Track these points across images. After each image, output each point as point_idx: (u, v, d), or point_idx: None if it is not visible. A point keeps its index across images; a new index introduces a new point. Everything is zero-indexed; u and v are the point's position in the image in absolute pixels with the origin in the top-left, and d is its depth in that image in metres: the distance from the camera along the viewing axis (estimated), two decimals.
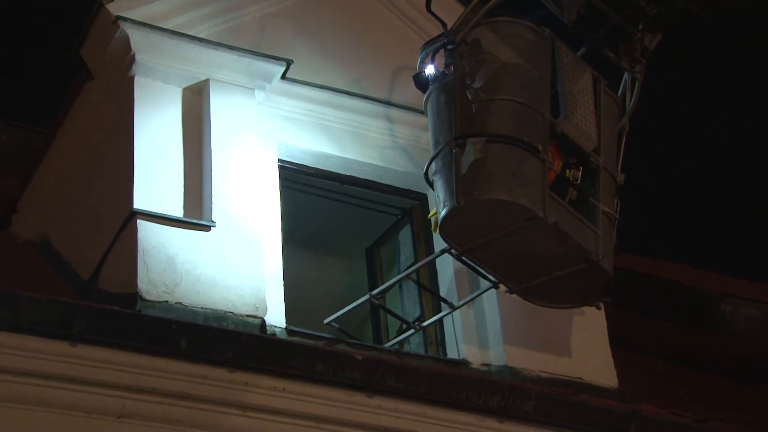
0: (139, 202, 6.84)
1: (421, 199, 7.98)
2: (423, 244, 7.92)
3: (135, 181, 6.91)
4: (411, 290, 7.89)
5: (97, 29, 7.34)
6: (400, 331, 7.70)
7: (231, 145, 7.24)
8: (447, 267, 7.66)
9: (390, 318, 8.02)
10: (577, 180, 6.82)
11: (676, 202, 15.22)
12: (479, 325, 7.53)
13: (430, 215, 7.42)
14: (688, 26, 7.62)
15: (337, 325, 7.40)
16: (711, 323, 10.60)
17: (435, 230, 7.28)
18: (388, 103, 7.90)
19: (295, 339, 6.85)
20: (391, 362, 6.63)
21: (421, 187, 7.75)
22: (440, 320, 7.52)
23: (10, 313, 5.81)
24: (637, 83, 7.30)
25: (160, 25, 7.31)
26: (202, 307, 6.63)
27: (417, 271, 7.54)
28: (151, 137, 7.11)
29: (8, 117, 9.73)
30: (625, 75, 7.35)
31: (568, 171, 6.84)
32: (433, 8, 7.16)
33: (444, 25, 6.99)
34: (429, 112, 7.05)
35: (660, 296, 10.44)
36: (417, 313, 7.76)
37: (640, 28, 7.29)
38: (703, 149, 15.44)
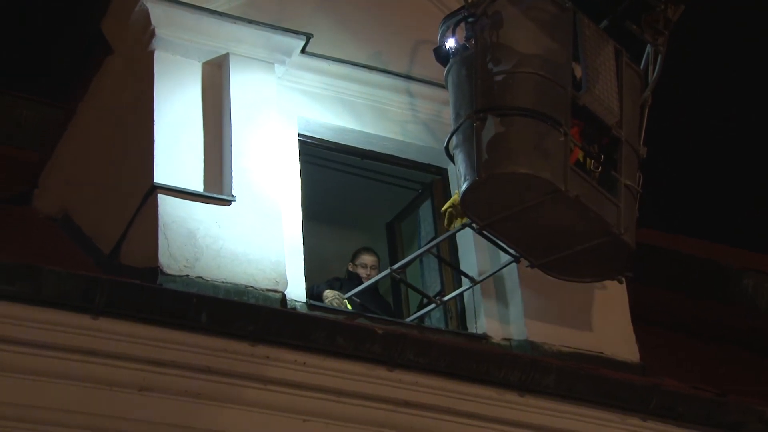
0: (160, 177, 6.84)
1: (442, 174, 7.96)
2: (444, 219, 7.89)
3: (156, 156, 6.92)
4: (432, 265, 7.88)
5: (117, 4, 7.34)
6: (421, 306, 7.70)
7: (251, 119, 7.23)
8: (468, 241, 7.64)
9: (411, 292, 8.03)
10: (600, 156, 6.77)
11: (698, 177, 15.13)
12: (500, 300, 7.52)
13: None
14: None
15: (358, 300, 7.40)
16: (733, 298, 10.56)
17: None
18: (409, 77, 7.87)
19: (316, 313, 6.85)
20: (412, 336, 6.63)
21: (442, 161, 7.73)
22: (461, 294, 7.51)
23: (32, 286, 5.84)
24: (659, 55, 7.24)
25: None
26: (223, 282, 6.64)
27: (438, 245, 7.53)
28: (171, 111, 7.11)
29: (29, 92, 9.76)
30: (648, 47, 7.29)
31: (590, 146, 6.80)
32: None
33: None
34: (450, 85, 7.02)
35: (682, 271, 10.41)
36: (438, 288, 7.75)
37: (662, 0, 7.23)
38: (726, 123, 15.33)
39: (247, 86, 7.34)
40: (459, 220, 7.28)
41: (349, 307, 7.43)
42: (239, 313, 6.24)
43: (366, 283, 7.58)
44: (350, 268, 7.96)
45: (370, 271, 7.87)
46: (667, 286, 10.17)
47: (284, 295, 6.81)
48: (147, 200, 6.82)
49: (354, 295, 7.54)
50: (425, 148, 7.84)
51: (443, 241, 7.56)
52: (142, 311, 6.05)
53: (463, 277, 7.51)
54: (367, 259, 7.94)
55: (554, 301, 7.46)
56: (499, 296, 7.53)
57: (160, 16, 7.22)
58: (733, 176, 15.07)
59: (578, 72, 6.96)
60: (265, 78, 7.42)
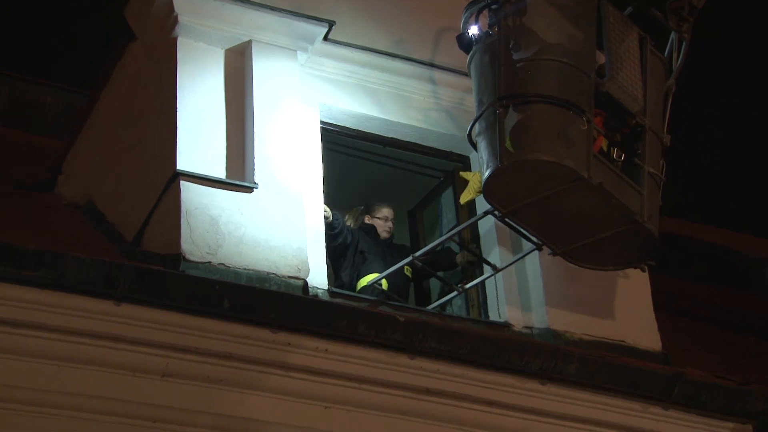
0: (183, 163, 6.86)
1: (464, 162, 7.93)
2: (465, 206, 7.88)
3: (178, 142, 6.93)
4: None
5: None
6: (443, 294, 7.69)
7: (273, 106, 7.23)
8: (490, 229, 7.62)
9: (432, 280, 8.02)
10: (623, 144, 6.74)
11: (721, 166, 15.05)
12: (522, 288, 7.50)
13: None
14: None
15: (379, 287, 7.40)
16: (755, 287, 10.53)
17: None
18: (431, 65, 7.85)
19: (338, 300, 6.86)
20: (434, 324, 6.63)
21: (464, 149, 7.71)
22: (482, 282, 7.50)
23: (56, 272, 5.87)
24: (684, 43, 7.19)
25: None
26: (245, 268, 6.65)
27: (459, 233, 7.51)
28: (194, 98, 7.12)
29: (52, 79, 9.80)
30: (672, 35, 7.24)
31: (614, 134, 6.77)
32: None
33: None
34: (472, 72, 6.99)
35: (705, 260, 10.38)
36: (460, 276, 7.74)
37: None
38: (750, 113, 15.24)
39: (269, 73, 7.34)
40: (470, 193, 7.27)
41: (328, 213, 7.29)
42: (261, 300, 6.25)
43: (386, 272, 7.46)
44: (367, 221, 7.87)
45: (390, 224, 7.80)
46: (689, 275, 10.14)
47: (306, 282, 6.81)
48: (170, 187, 6.84)
49: (372, 250, 7.53)
50: (447, 136, 7.83)
51: (465, 228, 7.54)
52: (165, 298, 6.07)
53: (484, 264, 7.50)
54: (386, 211, 7.87)
55: (576, 289, 7.43)
56: (520, 284, 7.52)
57: (183, 3, 7.22)
58: (757, 165, 14.98)
59: (602, 59, 6.93)
60: (287, 65, 7.41)
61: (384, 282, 7.40)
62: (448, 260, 7.76)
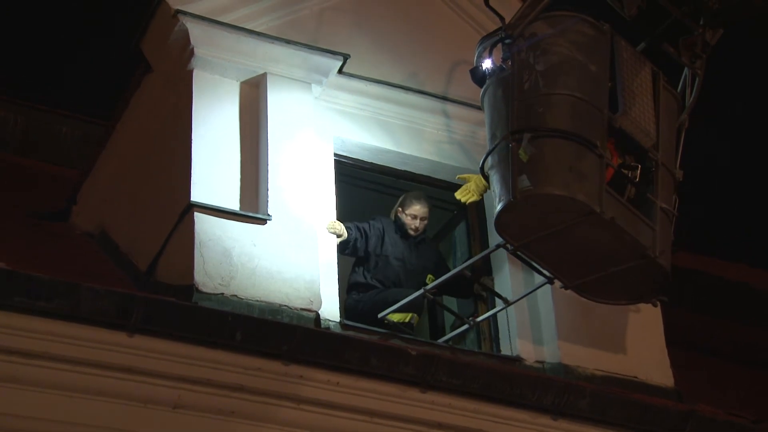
0: (197, 195, 6.89)
1: None
2: (478, 240, 7.89)
3: (193, 174, 6.96)
4: None
5: (157, 23, 7.40)
6: (455, 327, 7.68)
7: (288, 138, 7.27)
8: (502, 262, 7.62)
9: (445, 313, 8.01)
10: (635, 178, 6.74)
11: (734, 200, 15.02)
12: (533, 322, 7.49)
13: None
14: (749, 21, 7.49)
15: (387, 321, 7.39)
16: None
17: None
18: (444, 98, 7.89)
19: (350, 333, 6.86)
20: (445, 358, 6.62)
21: None
22: (494, 316, 7.49)
23: (70, 303, 5.89)
24: (697, 79, 7.21)
25: (218, 19, 7.36)
26: (258, 300, 6.66)
27: (472, 266, 7.51)
28: (209, 130, 7.16)
29: (69, 109, 9.87)
30: (685, 70, 7.27)
31: (626, 169, 6.78)
32: (491, 3, 7.13)
33: (502, 19, 6.96)
34: (486, 106, 7.02)
35: (717, 295, 10.35)
36: (471, 309, 7.73)
37: (701, 23, 7.21)
38: (761, 146, 15.22)
39: (284, 106, 7.38)
40: (472, 194, 7.32)
41: (335, 229, 7.25)
42: (273, 332, 6.26)
43: (429, 285, 7.34)
44: (397, 213, 7.68)
45: (418, 222, 7.61)
46: (702, 310, 10.10)
47: (318, 315, 6.82)
48: (183, 218, 6.87)
49: (395, 251, 7.47)
50: (460, 169, 7.84)
51: (477, 261, 7.55)
52: (177, 329, 6.08)
53: (496, 298, 7.49)
54: (416, 208, 7.63)
55: (588, 323, 7.42)
56: (532, 318, 7.51)
57: (199, 35, 7.28)
58: None
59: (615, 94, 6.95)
60: (302, 98, 7.46)
61: (400, 316, 7.37)
62: (467, 287, 7.70)
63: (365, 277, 7.58)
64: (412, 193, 7.76)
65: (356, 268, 7.65)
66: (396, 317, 7.36)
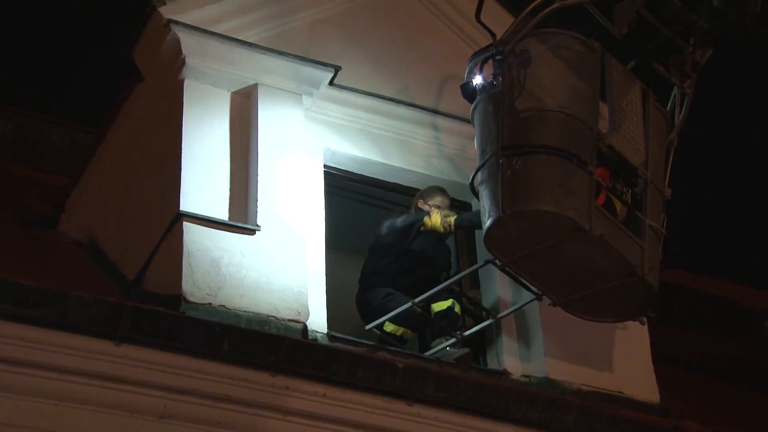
0: (186, 205, 6.89)
1: (466, 208, 7.96)
2: (466, 254, 7.90)
3: (182, 184, 6.97)
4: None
5: (149, 32, 7.41)
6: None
7: (277, 150, 7.28)
8: (490, 277, 7.64)
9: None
10: (628, 201, 6.77)
11: (721, 217, 15.08)
12: (521, 337, 7.51)
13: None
14: (737, 40, 7.53)
15: (379, 332, 7.40)
16: (754, 339, 10.49)
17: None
18: (435, 112, 7.91)
19: (337, 345, 6.86)
20: (432, 371, 6.63)
21: (466, 196, 7.75)
22: (482, 330, 7.50)
23: (57, 311, 5.88)
24: (686, 97, 7.25)
25: (210, 29, 7.38)
26: (245, 311, 6.67)
27: (460, 280, 7.52)
28: (199, 140, 7.17)
29: (59, 116, 9.85)
30: (675, 89, 7.30)
31: (618, 186, 6.80)
32: (483, 18, 7.14)
33: (493, 35, 6.98)
34: (476, 122, 7.04)
35: (704, 311, 10.36)
36: (459, 323, 7.73)
37: (691, 42, 7.25)
38: (750, 164, 15.29)
39: (274, 117, 7.39)
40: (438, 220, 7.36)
41: (451, 222, 7.29)
42: (261, 344, 6.26)
43: (418, 299, 7.35)
44: (419, 205, 7.63)
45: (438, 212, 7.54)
46: (688, 326, 10.12)
47: (306, 326, 6.82)
48: (172, 228, 6.87)
49: (418, 247, 7.44)
50: (449, 183, 7.86)
51: (466, 276, 7.56)
52: (165, 339, 6.07)
53: (484, 312, 7.51)
54: (438, 199, 7.61)
55: (575, 339, 7.44)
56: (519, 333, 7.52)
57: (190, 45, 7.29)
58: (756, 217, 15.01)
59: (605, 111, 6.98)
60: (292, 109, 7.47)
61: (393, 327, 7.36)
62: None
63: (388, 268, 7.50)
64: (433, 186, 7.73)
65: (378, 258, 7.55)
66: (389, 327, 7.37)
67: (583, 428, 6.80)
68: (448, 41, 8.16)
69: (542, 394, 6.87)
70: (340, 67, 7.58)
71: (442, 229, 7.48)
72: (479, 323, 7.49)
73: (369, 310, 7.47)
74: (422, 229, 7.49)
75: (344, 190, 7.88)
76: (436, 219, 7.47)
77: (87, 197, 8.23)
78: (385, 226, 7.59)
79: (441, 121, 7.92)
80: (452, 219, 7.48)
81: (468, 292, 7.65)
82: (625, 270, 6.71)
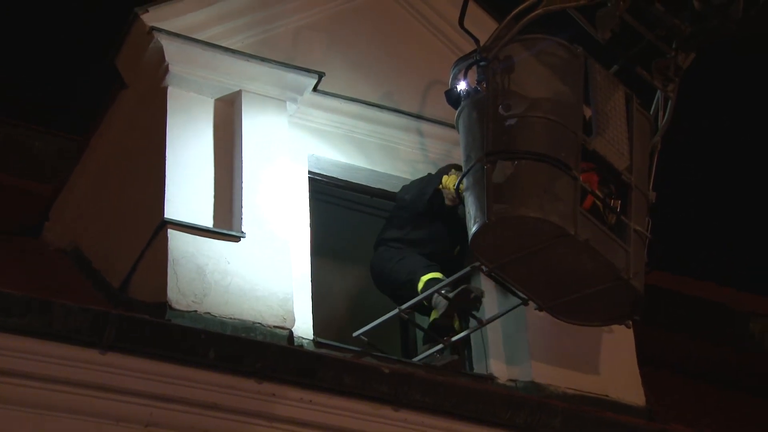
0: (170, 212, 6.88)
1: None
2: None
3: (166, 191, 6.96)
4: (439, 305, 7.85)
5: (132, 39, 7.40)
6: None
7: (262, 156, 7.28)
8: (476, 283, 7.64)
9: (419, 332, 8.02)
10: (616, 208, 6.79)
11: (706, 220, 15.14)
12: (507, 341, 7.52)
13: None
14: (721, 43, 7.56)
15: (365, 338, 7.40)
16: (740, 342, 10.53)
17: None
18: (419, 117, 7.92)
19: (323, 351, 6.86)
20: (419, 376, 6.63)
21: None
22: (468, 335, 7.51)
23: (42, 320, 5.86)
24: (669, 101, 7.28)
25: (194, 36, 7.37)
26: (231, 318, 6.66)
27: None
28: (183, 147, 7.16)
29: (42, 125, 9.81)
30: (658, 93, 7.33)
31: (604, 190, 6.82)
32: (466, 24, 7.16)
33: (477, 41, 7.00)
34: (461, 128, 7.05)
35: (689, 314, 10.38)
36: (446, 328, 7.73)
37: (674, 46, 7.28)
38: (734, 167, 15.36)
39: (258, 123, 7.39)
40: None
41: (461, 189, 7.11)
42: (247, 350, 6.25)
43: (404, 305, 7.37)
44: (440, 187, 7.54)
45: (453, 192, 7.40)
46: (673, 328, 10.14)
47: (291, 332, 6.82)
48: (157, 235, 6.86)
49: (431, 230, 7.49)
50: None
51: (451, 282, 7.55)
52: (150, 346, 6.06)
53: (470, 318, 7.51)
54: (455, 178, 7.40)
55: (561, 343, 7.45)
56: (505, 338, 7.54)
57: (174, 52, 7.28)
58: (741, 220, 15.07)
59: (589, 115, 7.00)
60: (276, 115, 7.47)
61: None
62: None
63: (405, 234, 7.53)
64: (453, 165, 7.63)
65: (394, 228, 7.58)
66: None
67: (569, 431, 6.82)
68: (432, 47, 8.17)
69: (528, 398, 6.88)
70: (324, 73, 7.58)
71: (454, 191, 7.34)
72: (466, 329, 7.50)
73: (383, 273, 7.47)
74: (440, 187, 7.48)
75: (329, 196, 7.88)
76: (453, 178, 7.37)
77: (71, 205, 8.21)
78: (403, 187, 7.60)
79: (425, 126, 7.93)
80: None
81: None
82: (611, 274, 6.73)
